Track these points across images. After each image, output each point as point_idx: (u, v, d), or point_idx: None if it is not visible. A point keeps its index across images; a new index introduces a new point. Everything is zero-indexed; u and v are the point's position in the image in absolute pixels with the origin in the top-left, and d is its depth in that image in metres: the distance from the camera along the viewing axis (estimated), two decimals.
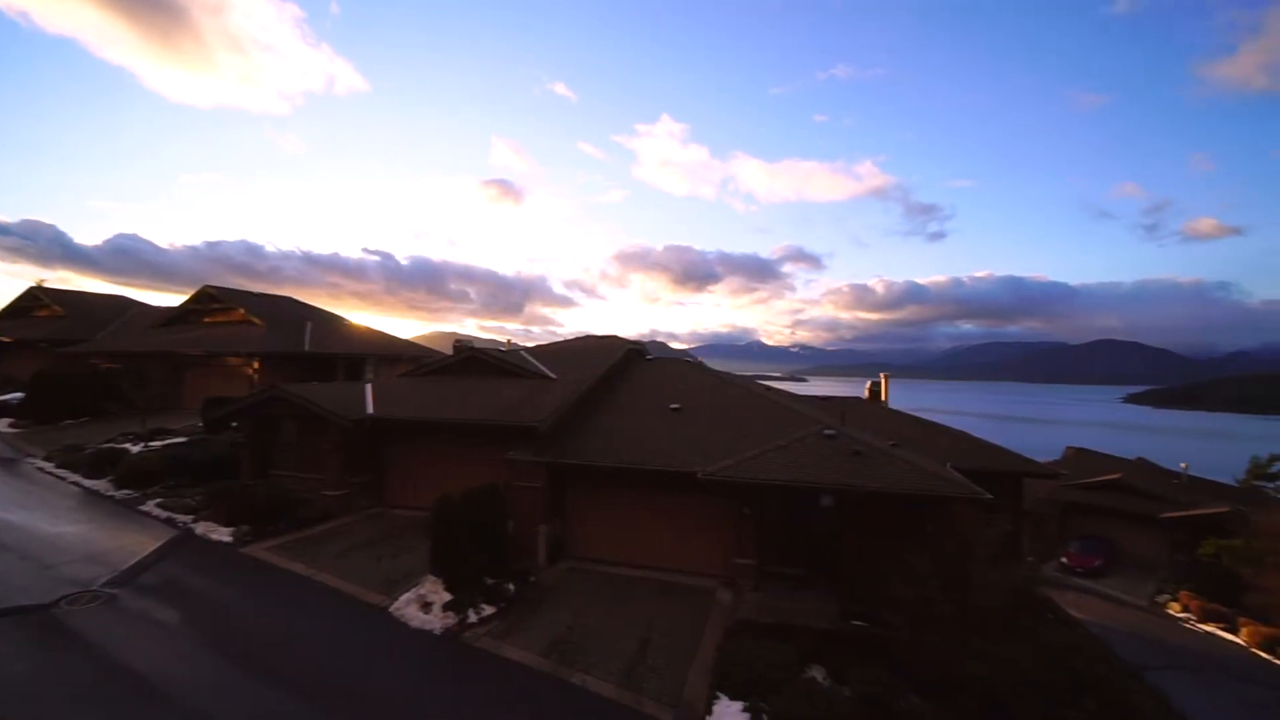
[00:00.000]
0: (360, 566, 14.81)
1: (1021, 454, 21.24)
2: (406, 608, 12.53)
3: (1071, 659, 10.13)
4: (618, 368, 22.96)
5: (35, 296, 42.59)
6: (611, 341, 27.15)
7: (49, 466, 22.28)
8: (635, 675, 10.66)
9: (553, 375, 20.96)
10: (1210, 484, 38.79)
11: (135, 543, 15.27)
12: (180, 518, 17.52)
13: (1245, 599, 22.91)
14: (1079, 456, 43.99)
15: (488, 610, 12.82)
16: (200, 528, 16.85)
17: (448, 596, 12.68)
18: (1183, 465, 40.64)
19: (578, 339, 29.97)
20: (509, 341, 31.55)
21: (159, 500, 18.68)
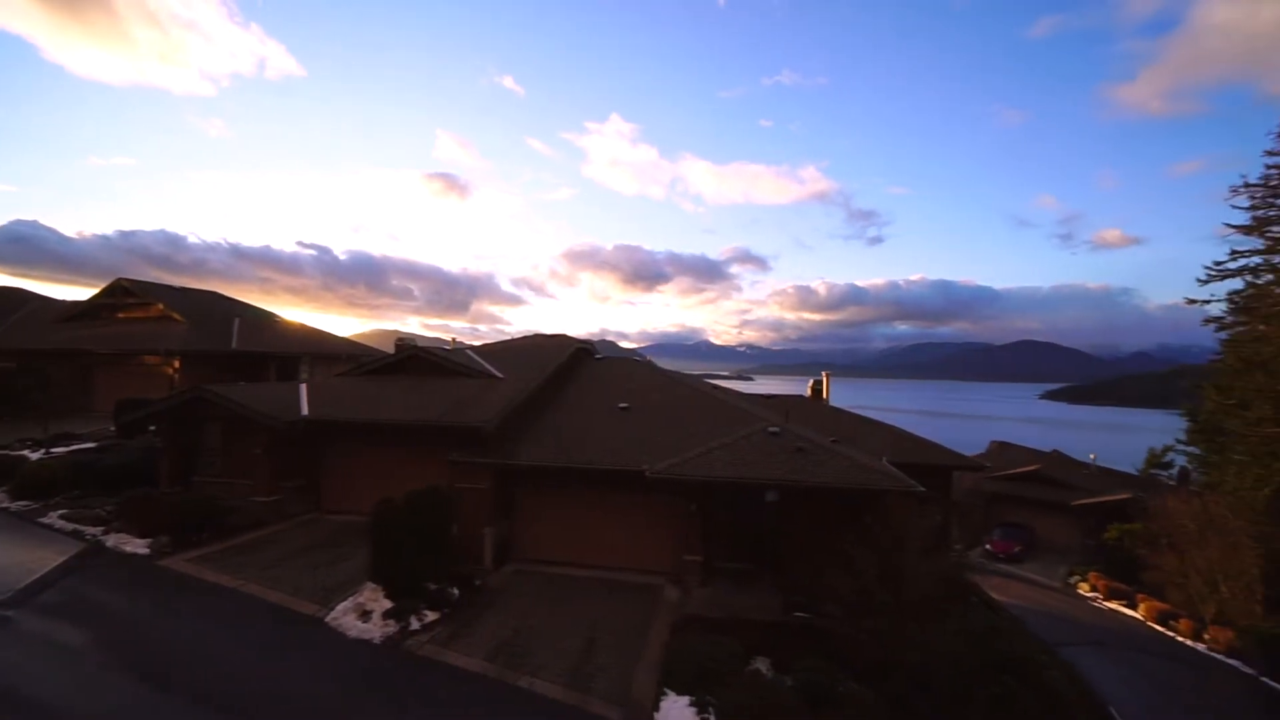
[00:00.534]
0: (293, 576, 14.08)
1: (951, 448, 22.47)
2: (344, 617, 12.01)
3: (993, 640, 10.84)
4: (566, 367, 22.78)
5: None
6: (560, 340, 26.91)
7: None
8: (582, 675, 10.61)
9: (499, 375, 20.57)
10: (1115, 473, 42.25)
11: (34, 559, 13.95)
12: (89, 530, 16.14)
13: (1143, 577, 25.05)
14: (1002, 450, 46.95)
15: (431, 616, 12.45)
16: (112, 540, 15.58)
17: (388, 604, 12.23)
18: (1091, 456, 44.09)
19: (525, 338, 29.55)
20: (454, 340, 30.75)
21: (63, 511, 17.15)
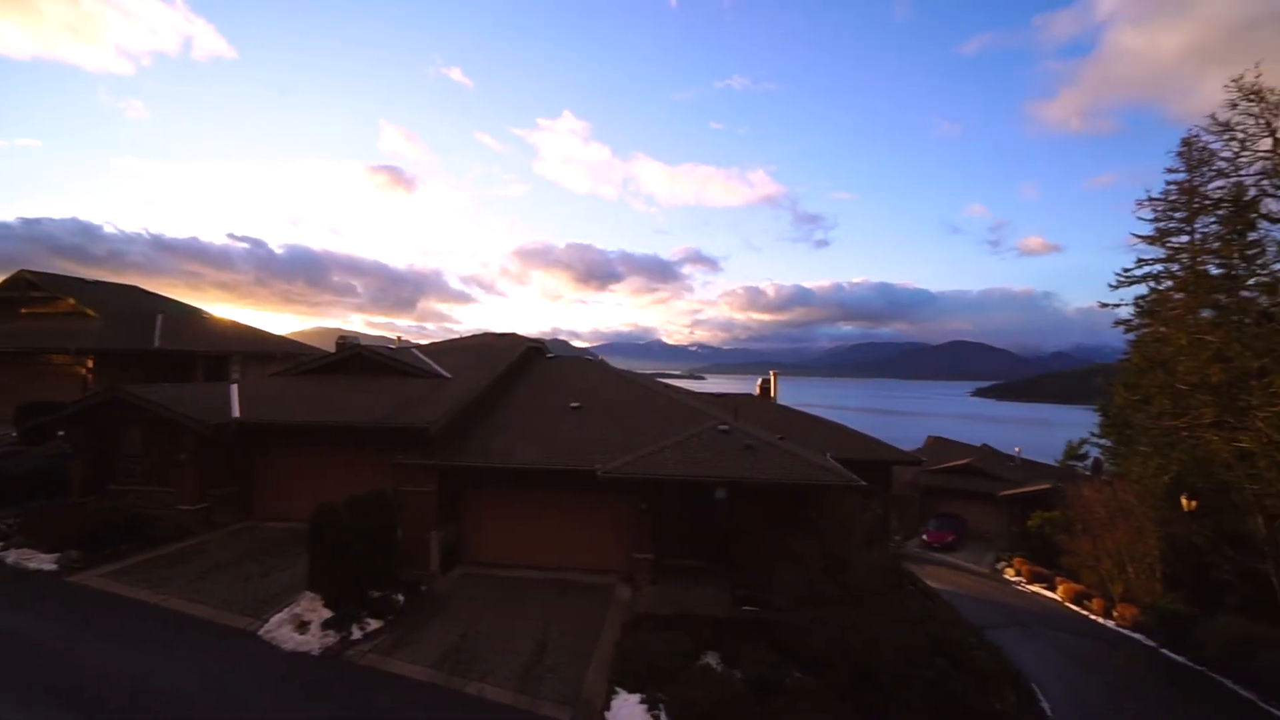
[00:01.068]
0: (223, 588, 13.25)
1: (890, 444, 23.44)
2: (279, 629, 11.40)
3: (928, 625, 11.41)
4: (517, 366, 22.42)
5: None
6: (510, 339, 26.47)
7: None
8: (532, 677, 10.46)
9: (447, 374, 20.03)
10: (1038, 465, 45.11)
11: None
12: None
13: (1061, 561, 26.85)
14: (937, 444, 49.38)
15: (374, 625, 11.99)
16: (12, 556, 14.25)
17: (328, 613, 11.69)
18: (1017, 450, 46.91)
19: (475, 336, 28.89)
20: (399, 338, 29.74)
21: None
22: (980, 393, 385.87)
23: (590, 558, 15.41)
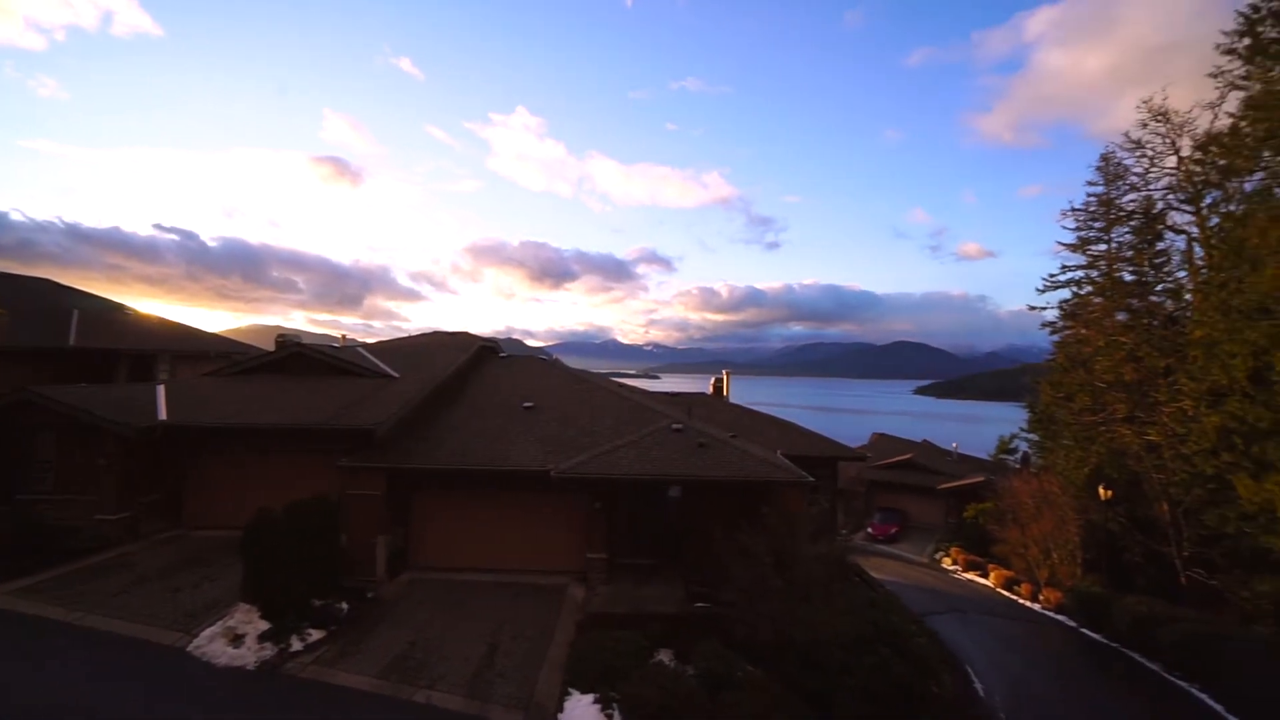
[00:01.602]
0: (148, 602, 12.44)
1: (837, 441, 24.21)
2: (210, 644, 10.79)
3: (871, 614, 11.85)
4: (468, 366, 21.97)
5: None
6: (462, 338, 25.90)
7: None
8: (483, 682, 10.29)
9: (394, 374, 19.42)
10: (973, 459, 47.52)
11: None
12: None
13: (993, 550, 28.38)
14: (881, 441, 51.31)
15: (315, 635, 11.51)
16: None
17: (265, 625, 11.15)
18: (954, 445, 49.31)
19: (425, 335, 28.10)
20: (344, 337, 28.64)
21: None
22: (921, 391, 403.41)
23: (544, 559, 15.26)
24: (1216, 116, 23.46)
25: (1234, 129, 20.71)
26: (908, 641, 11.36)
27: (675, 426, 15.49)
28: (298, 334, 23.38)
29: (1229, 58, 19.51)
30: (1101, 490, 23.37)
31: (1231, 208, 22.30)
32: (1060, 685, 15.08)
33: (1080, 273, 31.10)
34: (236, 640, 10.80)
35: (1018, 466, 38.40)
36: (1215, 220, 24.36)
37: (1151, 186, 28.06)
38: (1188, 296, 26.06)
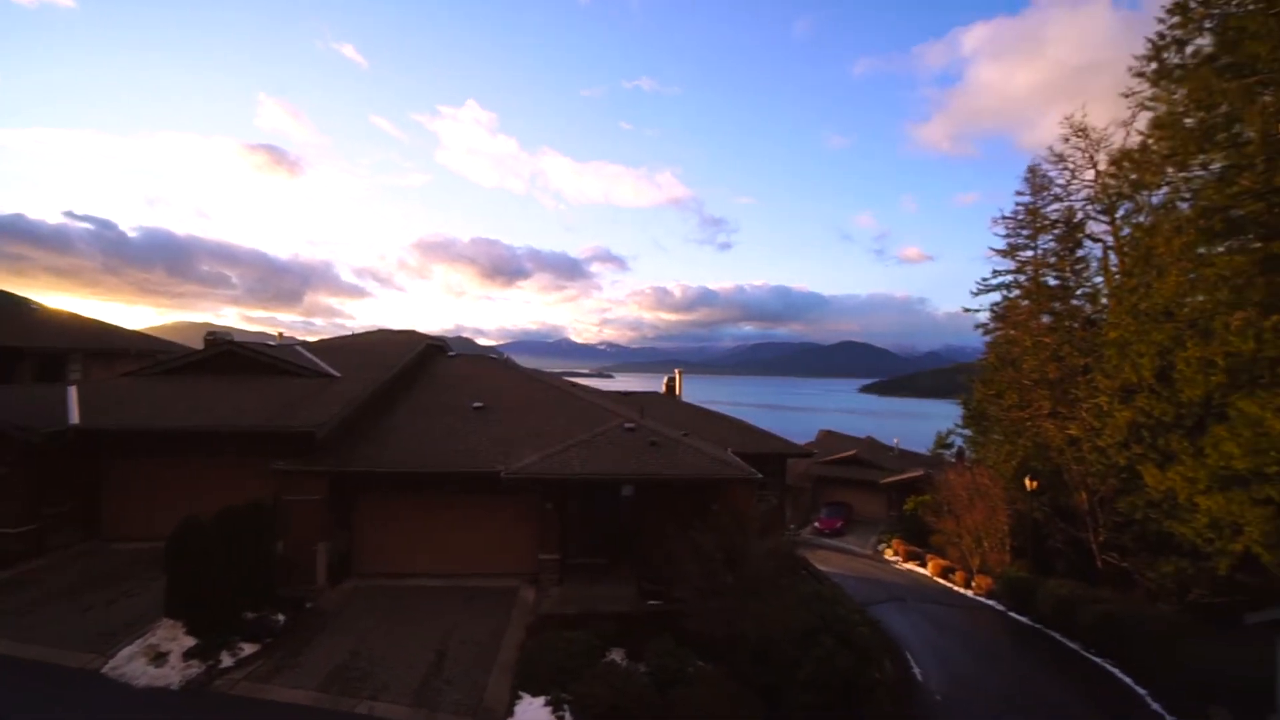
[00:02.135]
0: (57, 621, 11.47)
1: (785, 438, 24.80)
2: (129, 664, 10.05)
3: (817, 605, 12.17)
4: (415, 365, 21.31)
5: None
6: (409, 337, 25.14)
7: None
8: (431, 690, 10.02)
9: (335, 373, 18.63)
10: (913, 454, 49.63)
11: None
12: None
13: (931, 540, 29.76)
14: (828, 437, 52.92)
15: (249, 649, 10.91)
16: None
17: (191, 641, 10.48)
18: (895, 441, 51.34)
19: (369, 333, 27.11)
20: (280, 334, 27.26)
21: None
22: (866, 389, 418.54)
23: (494, 561, 14.99)
24: (1129, 134, 25.39)
25: (1143, 146, 22.30)
26: (852, 632, 11.76)
27: (628, 425, 15.52)
28: (230, 331, 22.08)
29: (1139, 80, 21.16)
30: (1028, 481, 24.86)
31: (1141, 219, 24.18)
32: (990, 666, 15.98)
33: (1009, 277, 33.00)
34: (159, 659, 10.11)
35: (953, 461, 40.14)
36: (1127, 230, 26.36)
37: (1072, 197, 30.15)
38: (1104, 300, 28.07)
